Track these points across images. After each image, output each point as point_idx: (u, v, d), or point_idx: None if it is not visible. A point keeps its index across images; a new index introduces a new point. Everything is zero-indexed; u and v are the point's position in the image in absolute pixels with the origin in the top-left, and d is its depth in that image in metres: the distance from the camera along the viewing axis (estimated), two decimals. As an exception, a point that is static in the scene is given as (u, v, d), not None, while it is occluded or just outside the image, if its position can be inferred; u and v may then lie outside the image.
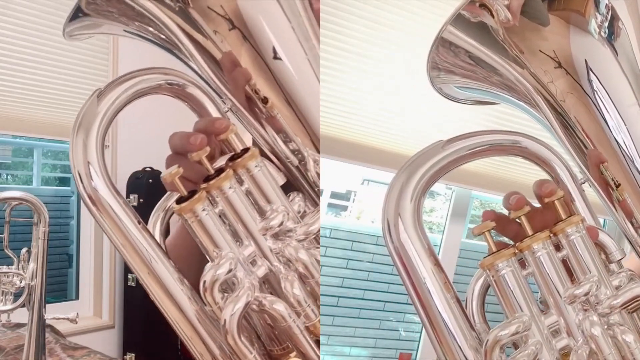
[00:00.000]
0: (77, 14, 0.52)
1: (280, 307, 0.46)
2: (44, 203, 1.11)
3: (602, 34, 0.52)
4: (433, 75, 0.60)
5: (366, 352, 2.62)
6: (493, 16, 0.52)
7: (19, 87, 2.31)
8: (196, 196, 0.46)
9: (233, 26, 0.49)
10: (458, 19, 0.54)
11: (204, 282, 0.45)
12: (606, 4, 0.52)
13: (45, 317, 1.08)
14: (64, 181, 2.92)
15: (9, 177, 2.93)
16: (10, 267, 1.10)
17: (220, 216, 0.47)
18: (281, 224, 0.48)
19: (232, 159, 0.49)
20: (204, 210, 0.46)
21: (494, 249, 0.46)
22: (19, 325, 1.36)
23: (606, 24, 0.52)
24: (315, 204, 0.51)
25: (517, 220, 0.48)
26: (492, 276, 0.46)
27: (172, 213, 0.57)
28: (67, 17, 0.53)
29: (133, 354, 2.63)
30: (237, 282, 0.46)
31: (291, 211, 0.49)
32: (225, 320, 0.44)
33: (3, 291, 1.08)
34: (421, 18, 2.09)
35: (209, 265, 0.46)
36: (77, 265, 2.72)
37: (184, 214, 0.46)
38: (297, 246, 0.47)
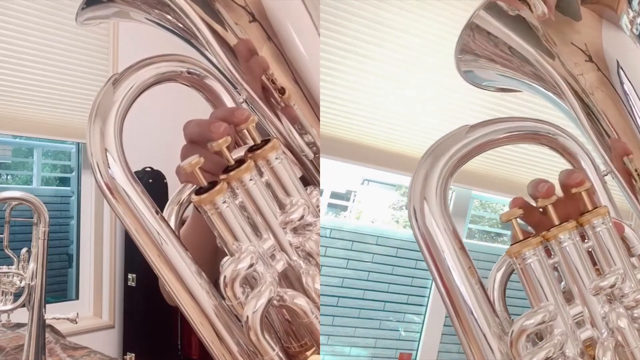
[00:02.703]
0: None
1: (302, 302, 0.45)
2: (44, 203, 1.11)
3: (634, 30, 0.52)
4: (460, 58, 0.60)
5: (366, 352, 2.62)
6: (532, 10, 0.53)
7: (19, 87, 2.31)
8: (217, 187, 0.44)
9: (254, 19, 0.48)
10: (493, 9, 0.54)
11: (224, 276, 0.43)
12: (639, 1, 0.52)
13: (45, 317, 1.08)
14: (64, 181, 2.92)
15: (9, 177, 2.93)
16: (10, 267, 1.10)
17: (240, 208, 0.46)
18: (301, 217, 0.47)
19: (251, 149, 0.48)
20: (224, 202, 0.45)
21: (521, 237, 0.46)
22: (19, 325, 1.36)
23: (638, 20, 0.52)
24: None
25: (542, 209, 0.47)
26: (519, 264, 0.46)
27: (187, 206, 0.56)
28: (83, 2, 0.52)
29: (133, 354, 2.63)
30: (259, 277, 0.44)
31: (311, 205, 0.48)
32: (247, 317, 0.43)
33: (3, 291, 1.08)
34: (421, 18, 2.09)
35: (227, 259, 0.45)
36: (77, 265, 2.72)
37: (204, 205, 0.45)
38: (318, 240, 0.47)
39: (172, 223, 0.53)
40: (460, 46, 0.58)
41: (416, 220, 0.47)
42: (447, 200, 0.48)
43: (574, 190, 0.48)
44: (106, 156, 0.45)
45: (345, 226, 2.57)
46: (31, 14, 2.30)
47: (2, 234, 1.10)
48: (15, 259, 1.10)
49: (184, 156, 0.48)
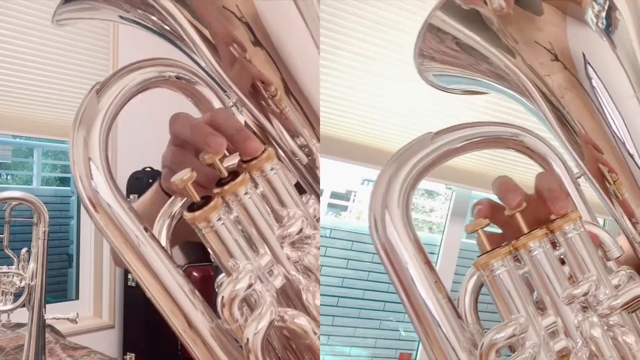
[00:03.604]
0: None
1: (303, 321, 0.43)
2: (44, 203, 1.11)
3: (600, 25, 0.50)
4: (419, 63, 0.58)
5: (366, 352, 2.62)
6: (486, 3, 0.51)
7: (19, 87, 2.31)
8: (211, 204, 0.42)
9: (243, 21, 0.46)
10: (448, 6, 0.52)
11: (222, 297, 0.41)
12: None
13: (45, 317, 1.08)
14: (64, 181, 2.92)
15: (9, 177, 2.93)
16: (10, 267, 1.10)
17: (235, 223, 0.44)
18: (300, 231, 0.44)
19: (244, 159, 0.45)
20: (219, 219, 0.42)
21: (488, 248, 0.44)
22: (19, 325, 1.36)
23: (603, 14, 0.50)
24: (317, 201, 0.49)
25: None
26: (487, 276, 0.44)
27: (179, 220, 0.53)
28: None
29: (133, 354, 2.63)
30: (258, 297, 0.42)
31: (309, 217, 0.46)
32: (248, 339, 0.40)
33: (3, 291, 1.08)
34: (421, 18, 2.08)
35: (224, 277, 0.43)
36: (77, 265, 2.72)
37: (198, 223, 0.42)
38: (317, 254, 0.44)
39: (163, 237, 0.51)
40: (417, 50, 0.56)
41: (376, 230, 0.44)
42: (409, 210, 0.45)
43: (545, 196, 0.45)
44: (89, 166, 0.42)
45: (345, 226, 2.57)
46: (31, 14, 2.30)
47: (2, 234, 1.10)
48: (15, 259, 1.10)
49: (171, 163, 0.45)
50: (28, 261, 1.10)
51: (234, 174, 0.44)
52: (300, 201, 0.46)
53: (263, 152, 0.45)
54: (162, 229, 0.51)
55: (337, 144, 2.14)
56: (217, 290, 0.43)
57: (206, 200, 0.42)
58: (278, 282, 0.44)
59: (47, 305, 1.10)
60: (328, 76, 2.06)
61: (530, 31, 0.51)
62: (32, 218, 1.10)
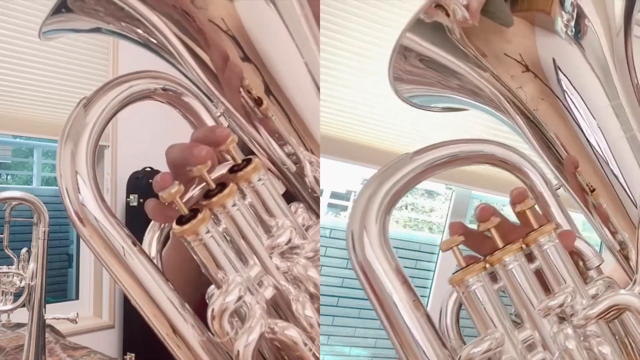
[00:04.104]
0: (60, 9, 0.49)
1: (293, 333, 0.43)
2: (44, 203, 1.11)
3: (569, 32, 0.50)
4: (396, 87, 0.57)
5: (366, 352, 2.62)
6: (448, 15, 0.50)
7: (19, 87, 2.32)
8: (200, 217, 0.42)
9: (229, 33, 0.46)
10: (416, 24, 0.51)
11: (212, 309, 0.41)
12: (572, 2, 0.50)
13: (45, 317, 1.08)
14: (64, 181, 2.91)
15: (9, 177, 2.93)
16: (10, 267, 1.10)
17: (223, 235, 0.44)
18: (289, 241, 0.45)
19: (232, 170, 0.46)
20: (207, 232, 0.42)
21: (463, 264, 0.45)
22: (19, 325, 1.36)
23: (572, 23, 0.50)
24: (315, 213, 0.49)
25: (487, 233, 0.46)
26: (462, 292, 0.45)
27: (169, 230, 0.52)
28: (48, 13, 0.50)
29: (133, 354, 2.63)
30: (248, 309, 0.42)
31: (298, 227, 0.46)
32: (238, 352, 0.40)
33: (3, 291, 1.08)
34: (421, 18, 2.09)
35: (214, 291, 0.43)
36: (77, 265, 2.72)
37: (187, 236, 0.42)
38: (307, 264, 0.44)
39: (153, 248, 0.50)
40: (392, 74, 0.56)
41: (354, 250, 0.45)
42: (386, 230, 0.45)
43: (517, 210, 0.46)
44: (76, 180, 0.42)
45: (345, 226, 2.56)
46: (31, 14, 2.30)
47: (2, 234, 1.10)
48: (15, 259, 1.10)
49: (161, 183, 0.44)
50: (28, 261, 1.10)
51: (221, 185, 0.44)
52: (289, 211, 0.46)
53: (250, 162, 0.45)
54: (152, 241, 0.51)
55: (337, 144, 2.14)
56: (207, 301, 0.43)
57: (194, 213, 0.43)
58: (268, 293, 0.44)
59: (47, 305, 1.10)
60: (328, 76, 2.06)
61: (499, 43, 0.50)
62: (32, 218, 1.10)
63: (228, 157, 0.46)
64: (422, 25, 0.51)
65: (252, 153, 0.49)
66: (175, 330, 0.43)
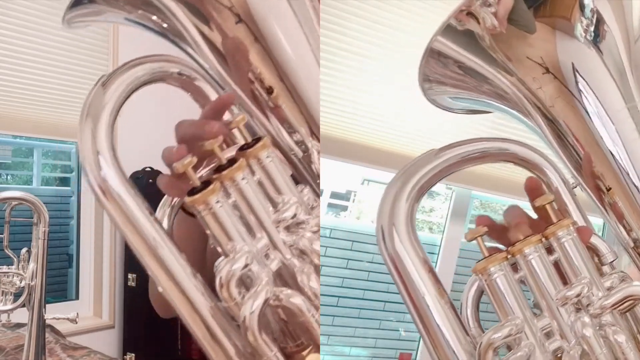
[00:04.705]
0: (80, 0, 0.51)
1: (298, 300, 0.44)
2: (44, 203, 1.11)
3: (588, 37, 0.53)
4: (425, 88, 0.61)
5: (366, 352, 2.62)
6: (479, 23, 0.53)
7: (19, 87, 2.32)
8: (210, 187, 0.44)
9: (240, 20, 0.48)
10: (447, 29, 0.54)
11: (220, 277, 0.43)
12: (591, 8, 0.53)
13: (45, 317, 1.08)
14: (64, 181, 2.92)
15: (9, 177, 2.93)
16: (10, 267, 1.10)
17: (233, 208, 0.45)
18: (294, 216, 0.47)
19: (241, 148, 0.48)
20: (218, 202, 0.44)
21: (486, 254, 0.47)
22: (19, 325, 1.36)
23: (592, 28, 0.53)
24: (317, 195, 0.51)
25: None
26: (485, 280, 0.47)
27: (178, 209, 0.55)
28: (69, 3, 0.52)
29: (133, 354, 2.63)
30: (254, 277, 0.44)
31: (303, 203, 0.48)
32: (245, 317, 0.42)
33: (3, 291, 1.08)
34: (421, 18, 2.09)
35: (222, 260, 0.44)
36: (77, 265, 2.72)
37: (197, 205, 0.44)
38: (312, 237, 0.46)
39: (164, 225, 0.52)
40: (422, 76, 0.59)
41: (384, 242, 0.48)
42: (414, 223, 0.48)
43: (537, 204, 0.48)
44: (98, 158, 0.44)
45: (345, 226, 2.57)
46: (31, 14, 2.30)
47: (2, 234, 1.10)
48: (15, 259, 1.11)
49: (167, 157, 0.46)
50: (28, 261, 1.10)
51: (232, 161, 0.46)
52: (294, 188, 0.48)
53: (259, 140, 0.47)
54: (162, 219, 0.53)
55: (337, 144, 2.14)
56: (215, 272, 0.44)
57: (205, 184, 0.44)
58: (274, 265, 0.46)
59: (47, 305, 1.10)
60: (328, 76, 2.06)
61: (522, 48, 0.53)
62: (32, 218, 1.10)
63: (236, 141, 0.49)
64: (454, 32, 0.55)
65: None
66: (188, 299, 0.44)
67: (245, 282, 0.45)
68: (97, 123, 0.45)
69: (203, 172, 0.51)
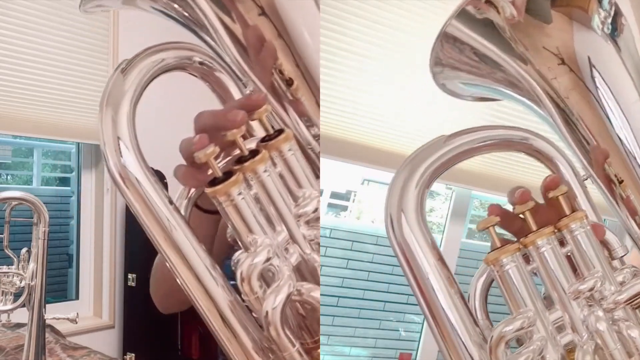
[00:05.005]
0: None
1: (319, 295, 0.44)
2: (44, 203, 1.11)
3: (605, 30, 0.52)
4: (436, 72, 0.60)
5: (366, 352, 2.62)
6: (499, 12, 0.52)
7: (19, 87, 2.31)
8: (233, 178, 0.43)
9: (263, 12, 0.47)
10: (462, 15, 0.54)
11: (241, 271, 0.42)
12: (609, 0, 0.52)
13: (45, 317, 1.08)
14: (64, 181, 2.92)
15: (9, 177, 2.93)
16: (10, 267, 1.10)
17: (254, 200, 0.44)
18: (315, 210, 0.46)
19: (263, 140, 0.47)
20: (239, 194, 0.43)
21: (498, 245, 0.46)
22: (19, 325, 1.36)
23: (609, 20, 0.52)
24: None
25: (521, 216, 0.47)
26: (497, 271, 0.46)
27: (195, 201, 0.54)
28: None
29: (133, 354, 2.63)
30: (276, 271, 0.43)
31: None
32: (267, 312, 0.41)
33: (3, 291, 1.08)
34: (421, 18, 2.09)
35: (242, 253, 0.43)
36: (77, 265, 2.72)
37: (219, 196, 0.43)
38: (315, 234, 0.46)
39: None
40: (433, 59, 0.58)
41: (393, 230, 0.47)
42: (424, 210, 0.47)
43: (550, 195, 0.47)
44: (119, 144, 0.43)
45: (345, 226, 2.57)
46: (31, 14, 2.30)
47: (2, 234, 1.10)
48: (15, 259, 1.10)
49: (193, 146, 0.44)
50: (28, 261, 1.10)
51: (254, 152, 0.45)
52: (315, 182, 0.47)
53: (281, 132, 0.46)
54: (179, 209, 0.51)
55: (337, 144, 2.14)
56: (233, 268, 0.43)
57: (227, 175, 0.43)
58: (294, 259, 0.45)
59: (47, 305, 1.10)
60: (328, 76, 2.06)
61: (539, 37, 0.52)
62: (32, 218, 1.10)
63: (254, 133, 0.47)
64: (471, 18, 0.54)
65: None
66: (207, 291, 0.43)
67: (266, 276, 0.44)
68: (118, 110, 0.44)
69: (221, 163, 0.49)
